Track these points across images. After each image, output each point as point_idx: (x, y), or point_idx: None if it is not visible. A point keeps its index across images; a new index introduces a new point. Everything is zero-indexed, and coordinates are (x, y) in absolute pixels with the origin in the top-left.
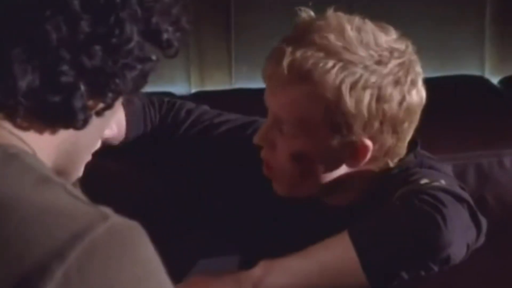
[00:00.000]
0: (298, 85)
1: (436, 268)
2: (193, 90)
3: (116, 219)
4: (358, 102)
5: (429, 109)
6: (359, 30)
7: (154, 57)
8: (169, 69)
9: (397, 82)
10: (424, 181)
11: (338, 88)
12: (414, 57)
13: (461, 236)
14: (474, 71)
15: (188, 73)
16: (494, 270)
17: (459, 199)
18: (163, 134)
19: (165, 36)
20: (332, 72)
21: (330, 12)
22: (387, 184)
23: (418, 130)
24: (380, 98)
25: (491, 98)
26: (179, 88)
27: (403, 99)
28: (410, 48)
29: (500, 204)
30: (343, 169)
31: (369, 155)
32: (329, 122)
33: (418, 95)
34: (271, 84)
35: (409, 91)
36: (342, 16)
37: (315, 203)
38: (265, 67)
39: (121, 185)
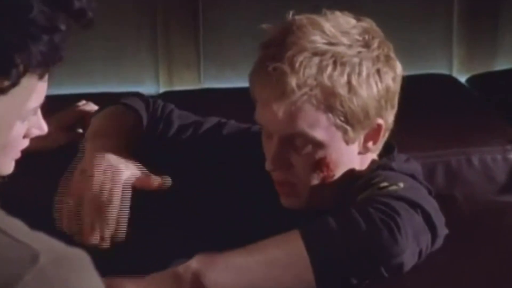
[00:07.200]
0: (309, 98)
1: (386, 275)
2: (162, 90)
3: (47, 258)
4: (369, 90)
5: (397, 108)
6: (333, 21)
7: (63, 27)
8: (137, 69)
9: (387, 58)
10: (383, 184)
11: (349, 84)
12: (378, 29)
13: (414, 243)
14: (442, 70)
15: (157, 73)
16: (464, 268)
17: (412, 205)
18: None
19: (76, 5)
20: (336, 74)
21: (296, 17)
22: (354, 187)
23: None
24: (382, 79)
25: (459, 97)
26: (148, 88)
27: (394, 72)
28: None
29: (469, 202)
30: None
31: (383, 133)
32: (345, 120)
33: (398, 66)
34: (272, 105)
35: (394, 64)
36: (310, 16)
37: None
38: (261, 90)
39: None
